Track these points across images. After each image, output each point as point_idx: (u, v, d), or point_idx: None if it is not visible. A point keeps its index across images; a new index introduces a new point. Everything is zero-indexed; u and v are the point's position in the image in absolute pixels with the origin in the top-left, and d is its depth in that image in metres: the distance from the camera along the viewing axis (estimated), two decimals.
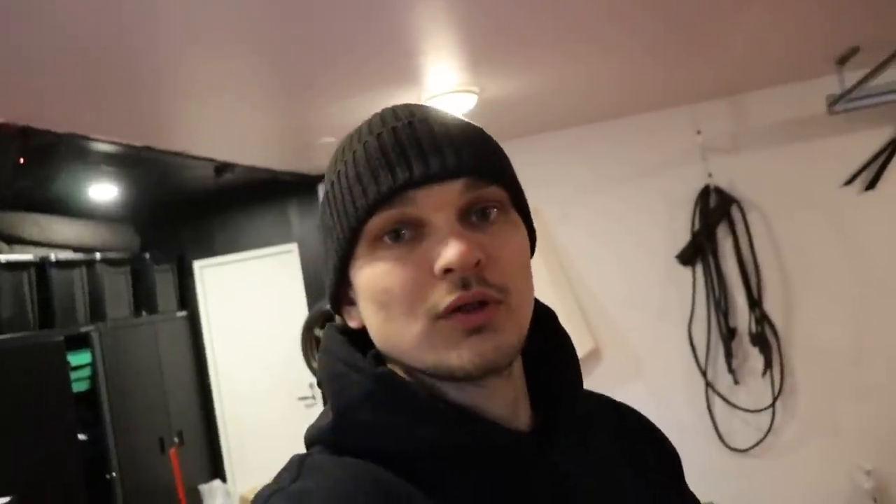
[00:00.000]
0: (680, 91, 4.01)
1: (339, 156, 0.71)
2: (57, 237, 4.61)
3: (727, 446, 4.15)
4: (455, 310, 0.62)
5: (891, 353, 3.89)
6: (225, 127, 3.47)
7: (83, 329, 4.48)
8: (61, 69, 2.37)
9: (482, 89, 3.27)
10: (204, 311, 5.52)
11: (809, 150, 4.02)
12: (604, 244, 4.40)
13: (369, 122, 0.71)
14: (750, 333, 4.09)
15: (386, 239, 0.65)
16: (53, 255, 4.45)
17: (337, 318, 0.78)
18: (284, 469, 0.66)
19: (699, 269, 4.21)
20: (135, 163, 3.80)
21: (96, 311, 4.71)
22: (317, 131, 3.72)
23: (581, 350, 4.21)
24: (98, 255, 4.79)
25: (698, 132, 4.14)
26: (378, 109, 0.72)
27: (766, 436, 4.07)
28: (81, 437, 4.29)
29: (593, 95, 3.84)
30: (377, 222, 0.64)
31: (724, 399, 4.16)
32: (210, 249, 5.49)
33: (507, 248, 0.66)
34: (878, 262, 3.94)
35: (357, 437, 0.66)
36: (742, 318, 4.14)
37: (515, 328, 0.65)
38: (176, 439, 4.96)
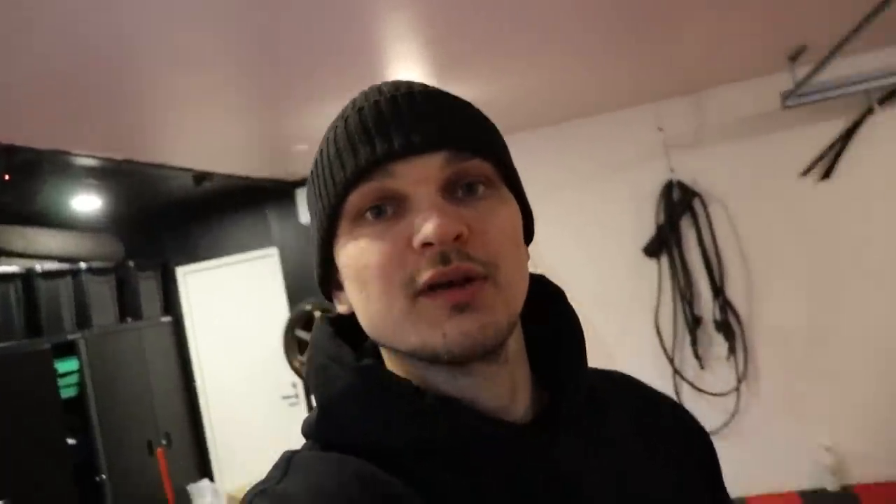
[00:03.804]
0: (642, 90, 4.17)
1: (324, 136, 0.68)
2: (42, 248, 4.70)
3: None
4: (437, 287, 0.60)
5: (848, 336, 4.09)
6: (202, 137, 3.59)
7: (70, 337, 4.59)
8: (41, 88, 2.49)
9: None
10: (188, 316, 5.63)
11: (766, 143, 4.20)
12: (573, 238, 4.56)
13: (354, 100, 0.68)
14: (714, 320, 4.27)
15: (368, 215, 0.63)
16: (39, 266, 4.55)
17: (321, 315, 0.76)
18: (274, 467, 0.64)
19: (664, 260, 4.38)
20: (116, 175, 3.92)
21: (82, 319, 4.82)
22: (292, 139, 3.85)
23: None
24: (83, 265, 4.89)
25: (660, 129, 4.31)
26: None
27: (731, 418, 4.25)
28: (71, 441, 4.40)
29: (558, 97, 4.00)
30: (357, 198, 0.62)
31: (691, 384, 4.33)
32: (193, 255, 5.60)
33: (494, 223, 0.63)
34: (834, 249, 4.12)
35: (342, 432, 0.64)
36: (706, 306, 4.32)
37: (504, 306, 0.61)
38: (163, 441, 5.08)
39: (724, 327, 4.21)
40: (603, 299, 4.49)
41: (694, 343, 4.28)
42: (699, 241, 4.30)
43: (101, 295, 5.04)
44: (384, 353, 0.69)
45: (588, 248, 4.56)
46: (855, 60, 3.74)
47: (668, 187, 4.33)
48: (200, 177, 4.15)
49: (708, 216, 4.29)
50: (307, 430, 0.68)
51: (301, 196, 5.01)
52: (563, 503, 0.63)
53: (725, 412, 4.26)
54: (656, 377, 4.39)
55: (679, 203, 4.31)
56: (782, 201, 4.20)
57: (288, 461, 0.64)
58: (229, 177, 4.38)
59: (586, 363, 0.72)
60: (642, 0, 2.67)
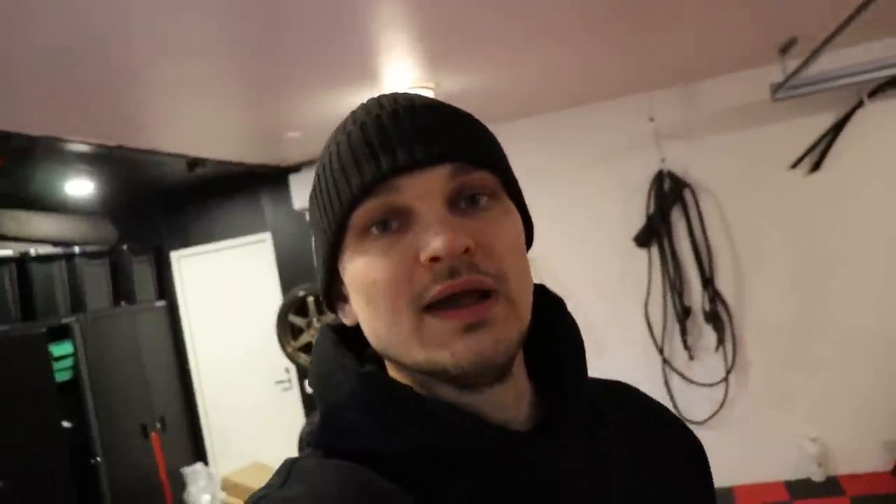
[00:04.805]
0: (633, 80, 4.17)
1: (325, 149, 0.68)
2: (36, 232, 4.72)
3: (684, 419, 4.35)
4: (446, 302, 0.60)
5: (835, 327, 4.12)
6: (195, 124, 3.61)
7: (64, 320, 4.62)
8: (34, 75, 2.50)
9: (437, 84, 3.42)
10: (182, 300, 5.66)
11: (757, 135, 4.21)
12: (564, 228, 4.57)
13: (354, 113, 0.68)
14: (703, 311, 4.29)
15: (374, 230, 0.62)
16: (33, 250, 4.58)
17: (324, 323, 0.76)
18: (276, 473, 0.64)
19: (654, 250, 4.40)
20: (109, 160, 3.94)
21: (77, 303, 4.85)
22: (284, 126, 3.86)
23: None
24: (77, 249, 4.92)
25: (651, 119, 4.32)
26: (341, 105, 0.71)
27: (720, 408, 4.29)
28: (66, 424, 4.44)
29: (549, 86, 4.00)
30: (363, 213, 0.62)
31: (681, 374, 4.37)
32: (186, 240, 5.62)
33: (500, 234, 0.63)
34: (823, 241, 4.14)
35: (344, 438, 0.64)
36: (696, 296, 4.35)
37: (515, 321, 0.62)
38: (158, 425, 5.12)
39: (713, 318, 4.24)
40: (593, 289, 4.52)
41: (683, 333, 4.31)
42: (689, 232, 4.32)
43: (96, 279, 5.06)
44: (388, 362, 0.68)
45: (579, 238, 4.58)
46: (845, 53, 3.75)
47: (659, 177, 4.35)
48: (194, 163, 4.17)
49: (698, 207, 4.30)
50: (309, 438, 0.68)
51: (295, 182, 5.02)
52: None
53: (714, 402, 4.30)
54: (646, 367, 4.43)
55: (670, 193, 4.33)
56: (771, 193, 4.21)
57: (290, 467, 0.64)
58: (223, 163, 4.39)
59: (587, 374, 0.72)
60: None
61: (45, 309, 4.61)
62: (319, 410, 0.67)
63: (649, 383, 4.41)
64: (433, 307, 0.60)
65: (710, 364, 4.32)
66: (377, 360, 0.69)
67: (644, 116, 4.35)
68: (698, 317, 4.33)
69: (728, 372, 4.26)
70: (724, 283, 4.30)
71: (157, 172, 4.59)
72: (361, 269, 0.63)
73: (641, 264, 4.43)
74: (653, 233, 4.39)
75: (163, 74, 2.76)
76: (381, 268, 0.61)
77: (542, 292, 0.74)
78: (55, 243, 4.87)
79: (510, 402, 0.66)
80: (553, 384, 0.70)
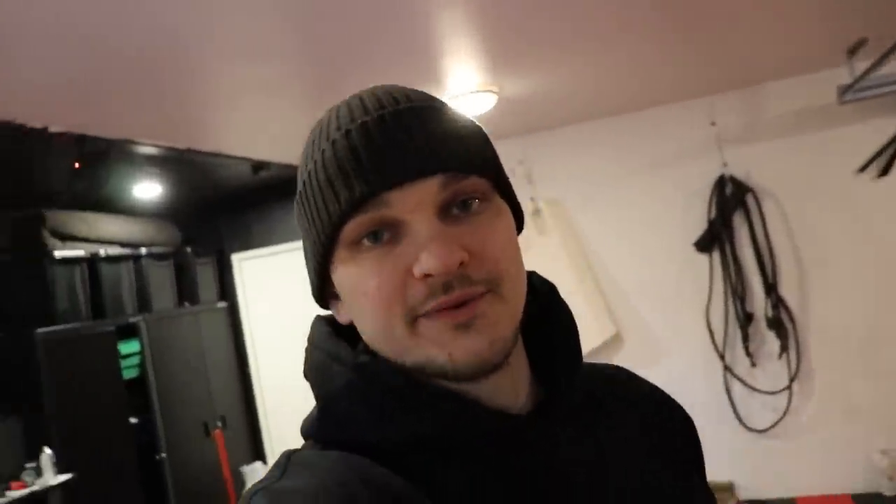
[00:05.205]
0: (695, 84, 4.13)
1: (309, 151, 0.67)
2: (105, 234, 4.89)
3: (746, 427, 4.29)
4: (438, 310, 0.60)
5: None
6: (261, 127, 3.69)
7: (131, 319, 4.76)
8: (111, 82, 2.61)
9: (501, 88, 3.45)
10: (243, 302, 5.79)
11: (822, 138, 4.13)
12: (624, 233, 4.55)
13: (337, 115, 0.65)
14: (766, 317, 4.22)
15: (365, 241, 0.62)
16: (103, 251, 4.73)
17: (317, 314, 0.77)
18: (274, 465, 0.64)
19: (716, 256, 4.34)
20: (177, 163, 4.06)
21: (143, 303, 5.00)
22: None
23: (603, 335, 4.38)
24: (143, 250, 5.07)
25: (713, 123, 4.27)
26: None
27: (783, 416, 4.21)
28: (133, 420, 4.57)
29: (610, 90, 3.99)
30: (353, 227, 0.61)
31: (742, 381, 4.29)
32: (248, 243, 5.74)
33: (493, 237, 0.63)
34: (891, 246, 4.04)
35: (342, 429, 0.64)
36: (758, 303, 4.27)
37: (509, 318, 0.62)
38: (219, 423, 5.23)
39: (777, 324, 4.16)
40: (653, 294, 4.48)
41: (745, 340, 4.24)
42: (752, 237, 4.25)
43: (161, 279, 5.21)
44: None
45: (638, 243, 4.55)
46: None
47: (721, 182, 4.29)
48: (258, 166, 4.26)
49: (761, 212, 4.24)
50: (307, 430, 0.69)
51: None
52: (563, 494, 0.63)
53: (777, 411, 4.22)
54: (706, 373, 4.37)
55: (731, 198, 4.27)
56: (837, 198, 4.13)
57: (288, 459, 0.64)
58: (286, 166, 4.48)
59: (580, 359, 0.73)
60: None
61: (113, 307, 4.75)
62: (316, 401, 0.67)
63: (709, 390, 4.35)
64: (425, 314, 0.60)
65: (772, 371, 4.24)
66: (370, 348, 0.68)
67: (705, 121, 4.31)
68: (761, 323, 4.26)
69: (792, 380, 4.18)
70: (787, 289, 4.22)
71: (222, 175, 4.70)
72: (354, 280, 0.63)
73: (702, 270, 4.38)
74: (714, 238, 4.33)
75: (230, 77, 2.83)
76: (374, 281, 0.61)
77: (534, 279, 0.74)
78: (123, 244, 5.02)
79: (507, 388, 0.65)
80: (548, 369, 0.71)
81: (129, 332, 4.74)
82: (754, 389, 4.27)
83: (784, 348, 4.17)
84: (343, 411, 0.64)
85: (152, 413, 4.69)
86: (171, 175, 4.45)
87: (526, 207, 4.55)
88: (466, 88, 3.37)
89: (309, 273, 0.71)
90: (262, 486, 0.60)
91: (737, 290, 4.27)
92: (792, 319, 4.19)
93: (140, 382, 4.73)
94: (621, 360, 4.49)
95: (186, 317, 5.28)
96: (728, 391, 4.32)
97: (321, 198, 0.63)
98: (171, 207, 5.35)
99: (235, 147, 3.96)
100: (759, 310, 4.28)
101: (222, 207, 5.67)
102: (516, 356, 0.66)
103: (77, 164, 3.41)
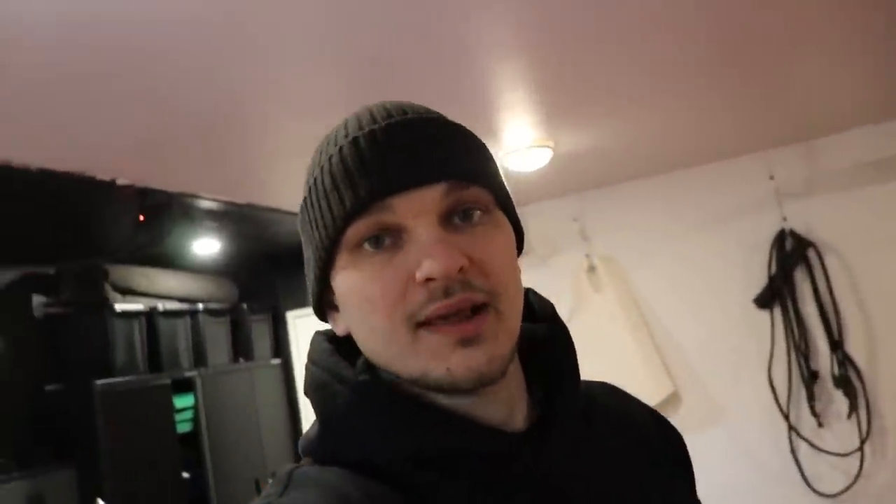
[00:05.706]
0: (753, 137, 4.09)
1: (316, 160, 0.69)
2: (164, 289, 4.99)
3: (815, 491, 4.09)
4: (440, 318, 0.61)
5: None
6: None
7: (187, 374, 4.81)
8: (175, 138, 2.70)
9: (557, 143, 3.46)
10: (297, 359, 5.81)
11: (886, 192, 4.03)
12: (681, 290, 4.47)
13: (346, 125, 0.68)
14: (833, 376, 4.06)
15: (366, 246, 0.63)
16: (161, 305, 4.82)
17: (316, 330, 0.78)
18: (275, 481, 0.65)
19: (777, 312, 4.22)
20: (236, 218, 4.14)
21: (199, 357, 5.04)
22: None
23: (660, 394, 4.26)
24: (200, 306, 5.15)
25: (771, 177, 4.21)
26: None
27: (855, 480, 4.00)
28: (185, 475, 4.57)
29: (666, 146, 3.98)
30: (355, 231, 0.63)
31: (809, 442, 4.12)
32: (302, 301, 5.78)
33: (492, 250, 0.64)
34: None
35: (342, 446, 0.65)
36: (823, 360, 4.12)
37: (507, 335, 0.63)
38: (269, 480, 5.19)
39: (844, 383, 4.00)
40: (712, 352, 4.36)
41: (811, 399, 4.08)
42: (814, 293, 4.13)
43: (217, 335, 5.27)
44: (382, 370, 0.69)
45: (696, 299, 4.45)
46: None
47: (781, 237, 4.20)
48: None
49: (824, 266, 4.12)
50: (307, 447, 0.70)
51: None
52: None
53: (848, 475, 4.01)
54: (770, 434, 4.21)
55: (792, 253, 4.17)
56: None
57: (289, 475, 0.65)
58: None
59: (579, 377, 0.73)
60: (754, 47, 2.66)
61: (169, 361, 4.81)
62: (318, 420, 0.68)
63: (774, 451, 4.18)
64: (427, 323, 0.61)
65: (841, 432, 4.06)
66: (370, 364, 0.69)
67: (763, 175, 4.25)
68: (827, 381, 4.10)
69: (863, 441, 3.99)
70: (854, 347, 4.07)
71: (279, 232, 4.78)
72: (355, 286, 0.64)
73: (763, 327, 4.25)
74: (775, 294, 4.22)
75: (287, 134, 2.89)
76: (376, 286, 0.62)
77: (531, 297, 0.76)
78: (181, 299, 5.11)
79: (503, 405, 0.66)
80: (546, 388, 0.71)
81: (185, 386, 4.78)
82: (822, 451, 4.09)
83: (853, 408, 3.99)
84: (344, 430, 0.65)
85: (204, 468, 4.69)
86: (229, 231, 4.54)
87: (581, 265, 4.58)
88: (522, 143, 3.38)
89: (308, 282, 0.72)
90: (266, 502, 0.61)
91: (800, 348, 4.13)
92: (860, 378, 4.02)
93: (193, 437, 4.74)
94: (680, 419, 4.33)
95: (241, 372, 5.32)
96: (793, 452, 4.14)
97: (326, 201, 0.64)
98: (229, 263, 5.44)
99: (293, 204, 4.01)
100: (824, 368, 4.12)
101: (278, 264, 5.74)
102: (513, 373, 0.67)
103: (142, 217, 3.50)
